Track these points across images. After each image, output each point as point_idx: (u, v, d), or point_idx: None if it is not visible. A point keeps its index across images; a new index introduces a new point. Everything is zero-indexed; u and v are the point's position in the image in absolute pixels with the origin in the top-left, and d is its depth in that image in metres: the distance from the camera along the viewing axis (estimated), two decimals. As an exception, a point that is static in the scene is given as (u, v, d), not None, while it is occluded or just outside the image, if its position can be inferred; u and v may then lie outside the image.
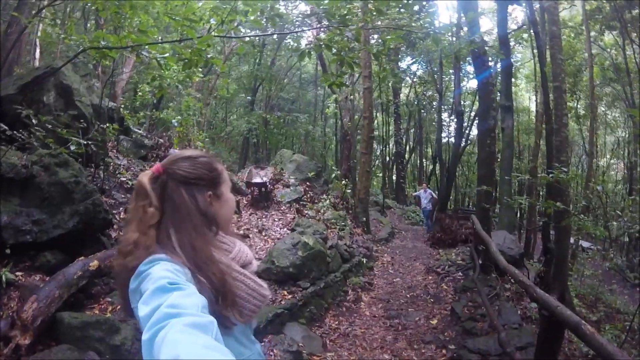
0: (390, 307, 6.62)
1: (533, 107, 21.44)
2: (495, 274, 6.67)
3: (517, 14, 17.40)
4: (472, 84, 19.61)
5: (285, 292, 5.71)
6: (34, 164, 4.97)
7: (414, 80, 20.74)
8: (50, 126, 5.45)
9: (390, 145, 24.20)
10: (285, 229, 8.43)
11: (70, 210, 4.78)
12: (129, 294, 0.95)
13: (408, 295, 7.13)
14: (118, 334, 3.60)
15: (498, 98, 9.63)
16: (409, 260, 9.79)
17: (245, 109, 20.56)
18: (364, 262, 8.44)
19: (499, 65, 10.63)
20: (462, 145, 14.99)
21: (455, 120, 15.64)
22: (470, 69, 17.22)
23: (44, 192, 4.78)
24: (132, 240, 1.00)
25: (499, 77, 10.06)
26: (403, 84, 21.51)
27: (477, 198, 8.28)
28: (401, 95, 22.37)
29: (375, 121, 26.92)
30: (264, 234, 8.08)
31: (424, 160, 25.53)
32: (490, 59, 9.26)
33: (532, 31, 13.26)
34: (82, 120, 6.51)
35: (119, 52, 5.54)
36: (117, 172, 7.80)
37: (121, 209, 6.59)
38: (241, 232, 7.85)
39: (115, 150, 9.23)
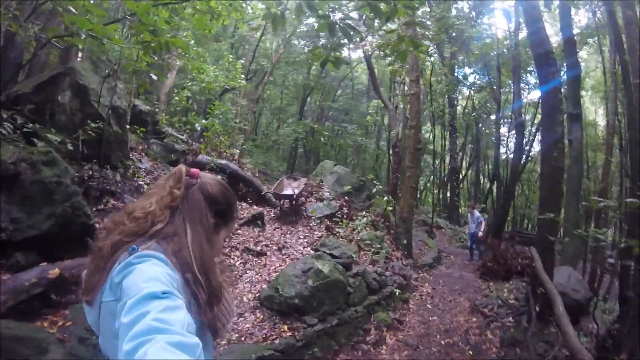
0: (418, 356, 5.33)
1: (600, 121, 18.60)
2: (555, 327, 5.17)
3: (579, 18, 15.07)
4: (533, 95, 17.54)
5: (286, 328, 4.69)
6: (22, 160, 4.60)
7: (471, 89, 18.93)
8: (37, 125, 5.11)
9: (446, 160, 22.37)
10: (309, 248, 7.45)
11: (48, 211, 4.41)
12: (107, 285, 0.92)
13: (443, 342, 5.76)
14: (44, 355, 2.99)
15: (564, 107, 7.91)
16: (453, 293, 8.31)
17: (294, 118, 20.07)
18: (397, 293, 7.16)
19: (562, 73, 8.85)
20: (522, 161, 13.04)
21: (514, 134, 13.75)
22: (531, 79, 15.28)
23: (27, 190, 4.45)
24: (147, 210, 1.02)
25: (563, 85, 8.30)
26: (459, 95, 19.72)
27: (538, 226, 6.69)
28: (458, 107, 20.58)
29: (430, 134, 25.41)
30: (283, 252, 7.15)
31: (480, 177, 23.24)
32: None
33: (600, 36, 11.25)
34: (97, 121, 6.31)
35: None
36: (136, 175, 7.44)
37: None
38: (258, 248, 7.01)
39: (144, 154, 8.99)
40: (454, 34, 14.39)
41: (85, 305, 1.01)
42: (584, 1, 11.90)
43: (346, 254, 7.06)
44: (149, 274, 0.85)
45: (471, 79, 19.35)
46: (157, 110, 10.71)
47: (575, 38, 7.64)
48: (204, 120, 9.28)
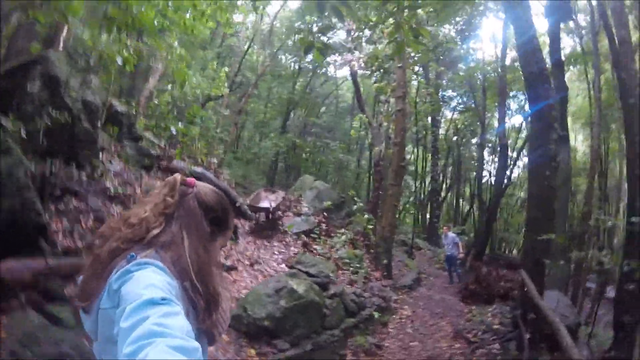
0: (399, 387, 4.86)
1: (579, 146, 19.03)
2: (550, 357, 4.82)
3: (565, 43, 15.42)
4: (514, 120, 17.82)
5: (253, 352, 4.15)
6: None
7: (455, 109, 19.05)
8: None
9: (427, 182, 22.32)
10: (284, 265, 6.94)
11: (-6, 205, 3.77)
12: (105, 292, 0.92)
13: (425, 371, 5.32)
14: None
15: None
16: (434, 316, 7.89)
17: (276, 132, 19.71)
18: (376, 316, 6.69)
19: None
20: (504, 183, 12.93)
21: (498, 156, 13.72)
22: (513, 104, 15.50)
23: (-23, 181, 3.91)
24: (141, 216, 1.03)
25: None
26: (442, 118, 19.79)
27: (525, 247, 6.39)
28: (441, 129, 20.69)
29: (412, 155, 25.40)
30: (256, 267, 6.61)
31: (460, 199, 23.26)
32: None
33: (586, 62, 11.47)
34: (66, 114, 5.71)
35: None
36: (104, 177, 6.85)
37: (91, 215, 5.58)
38: (229, 262, 6.45)
39: (116, 155, 8.40)
40: (440, 56, 14.49)
41: (82, 312, 1.01)
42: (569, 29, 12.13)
43: (323, 272, 6.60)
44: (147, 281, 0.85)
45: (454, 102, 19.58)
46: (134, 112, 10.13)
47: (563, 60, 7.61)
48: (180, 125, 8.78)
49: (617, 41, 5.94)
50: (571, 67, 13.43)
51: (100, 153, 7.87)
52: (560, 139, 6.80)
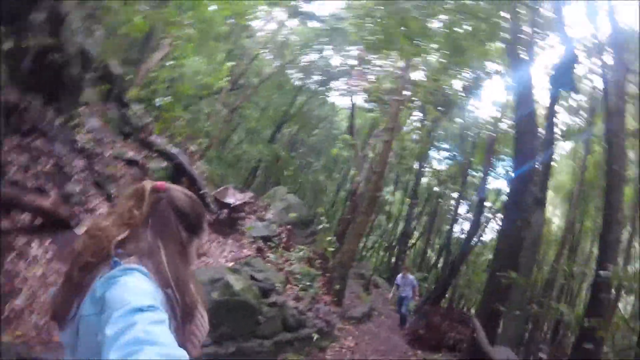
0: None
1: (555, 220, 19.31)
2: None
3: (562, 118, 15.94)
4: (498, 184, 18.08)
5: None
6: None
7: (442, 161, 19.24)
8: None
9: (400, 226, 22.23)
10: (231, 264, 6.53)
11: None
12: (87, 299, 0.90)
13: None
14: None
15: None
16: (376, 353, 7.49)
17: (263, 139, 19.51)
18: (315, 338, 6.28)
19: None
20: (475, 236, 12.83)
21: (474, 210, 13.74)
22: (500, 170, 15.74)
23: None
24: (101, 226, 1.01)
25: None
26: (427, 166, 19.95)
27: (484, 294, 6.18)
28: (424, 178, 20.83)
29: (393, 196, 25.39)
30: (202, 259, 6.19)
31: (429, 249, 23.17)
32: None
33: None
34: (59, 54, 5.80)
35: None
36: (76, 129, 6.51)
37: (51, 160, 5.44)
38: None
39: (99, 114, 8.04)
40: (441, 108, 14.72)
41: (58, 327, 0.99)
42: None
43: (270, 280, 6.21)
44: (134, 287, 0.85)
45: (443, 154, 19.83)
46: (129, 78, 9.81)
47: (554, 121, 7.75)
48: (165, 99, 8.48)
49: (611, 108, 6.06)
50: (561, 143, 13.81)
51: (82, 105, 7.55)
52: (536, 201, 6.76)
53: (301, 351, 5.78)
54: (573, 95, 10.18)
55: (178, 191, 1.11)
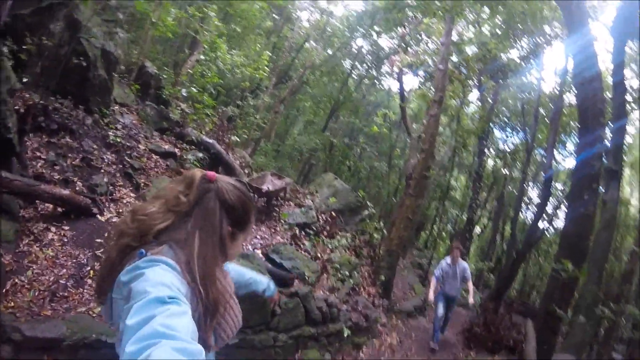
0: None
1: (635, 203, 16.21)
2: None
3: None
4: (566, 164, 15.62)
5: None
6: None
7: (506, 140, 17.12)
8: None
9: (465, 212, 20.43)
10: (259, 251, 6.09)
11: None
12: (115, 285, 0.90)
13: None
14: None
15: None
16: (422, 352, 6.63)
17: (315, 129, 19.04)
18: (347, 334, 5.61)
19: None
20: (541, 218, 10.97)
21: (541, 189, 11.87)
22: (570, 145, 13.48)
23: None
24: (147, 211, 0.99)
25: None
26: (490, 145, 17.90)
27: (545, 293, 5.02)
28: (488, 160, 18.79)
29: (458, 181, 23.46)
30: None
31: (498, 237, 21.00)
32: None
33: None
34: (81, 58, 6.04)
35: None
36: (109, 126, 6.64)
37: (80, 155, 5.57)
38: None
39: (134, 111, 8.19)
40: (500, 79, 13.00)
41: (100, 303, 1.01)
42: None
43: (298, 269, 5.66)
44: (156, 279, 0.83)
45: (504, 134, 17.78)
46: (165, 77, 9.92)
47: (625, 80, 6.12)
48: (193, 89, 8.31)
49: None
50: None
51: (114, 104, 7.74)
52: (611, 174, 5.34)
53: (328, 348, 5.16)
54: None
55: (228, 183, 1.08)
